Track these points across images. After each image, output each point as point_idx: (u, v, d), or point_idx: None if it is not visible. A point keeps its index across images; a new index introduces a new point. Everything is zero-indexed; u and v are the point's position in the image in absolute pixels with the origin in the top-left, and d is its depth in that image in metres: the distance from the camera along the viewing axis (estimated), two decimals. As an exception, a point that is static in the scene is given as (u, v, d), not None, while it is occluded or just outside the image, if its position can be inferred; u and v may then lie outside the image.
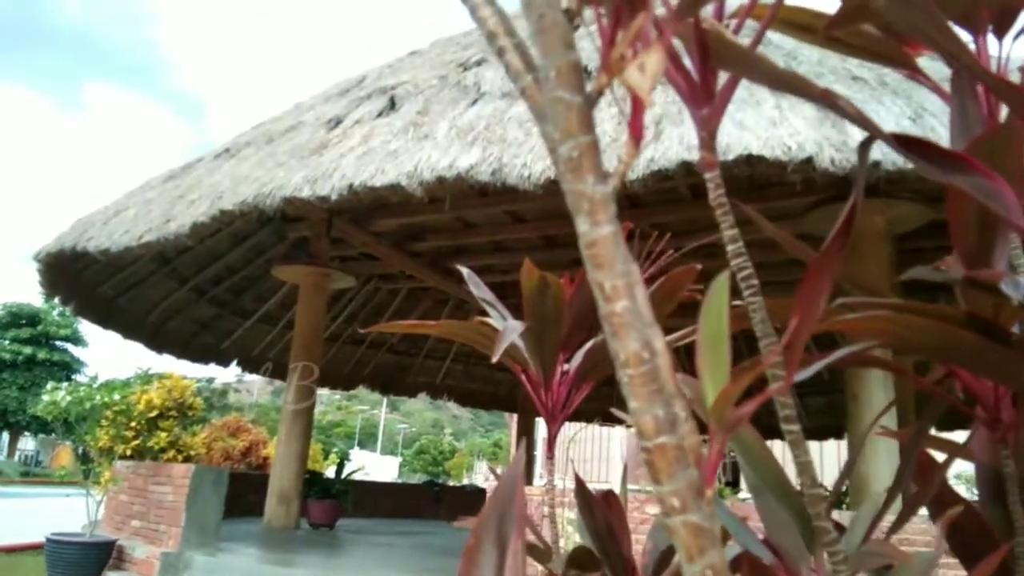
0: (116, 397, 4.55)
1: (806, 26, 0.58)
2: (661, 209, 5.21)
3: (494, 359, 0.87)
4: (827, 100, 0.38)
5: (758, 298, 0.50)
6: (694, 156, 3.19)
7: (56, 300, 7.01)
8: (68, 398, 4.21)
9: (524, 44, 0.32)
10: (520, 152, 3.54)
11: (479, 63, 4.83)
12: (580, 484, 0.95)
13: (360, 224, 7.16)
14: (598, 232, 0.27)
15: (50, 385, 4.51)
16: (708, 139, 0.46)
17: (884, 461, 4.20)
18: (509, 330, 0.88)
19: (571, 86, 0.28)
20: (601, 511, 0.84)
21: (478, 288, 1.18)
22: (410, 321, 1.02)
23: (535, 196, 3.93)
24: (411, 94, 4.66)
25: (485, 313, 1.28)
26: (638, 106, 0.29)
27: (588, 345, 1.03)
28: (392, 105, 4.58)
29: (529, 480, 12.30)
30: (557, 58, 0.28)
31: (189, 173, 5.56)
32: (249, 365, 10.76)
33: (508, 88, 4.29)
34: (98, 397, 4.41)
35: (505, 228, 7.64)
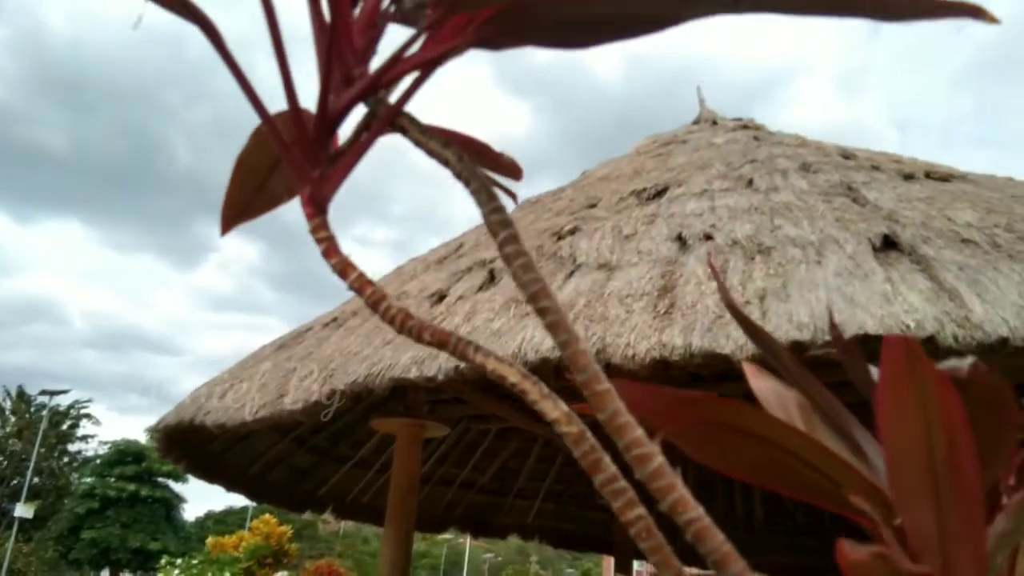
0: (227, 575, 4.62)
1: None
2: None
3: None
4: None
5: None
6: (804, 335, 3.12)
7: (169, 459, 7.34)
8: (182, 577, 4.30)
9: None
10: (623, 331, 3.56)
11: (572, 232, 5.01)
12: None
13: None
14: None
15: (164, 560, 4.64)
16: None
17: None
18: None
19: None
20: None
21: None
22: None
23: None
24: (509, 266, 4.82)
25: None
26: None
27: None
28: (492, 278, 4.78)
29: (632, 634, 11.49)
30: None
31: (299, 343, 5.87)
32: (344, 510, 10.79)
33: (604, 259, 4.39)
34: (210, 574, 4.48)
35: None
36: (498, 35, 0.42)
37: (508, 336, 3.90)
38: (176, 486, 30.47)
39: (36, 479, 26.27)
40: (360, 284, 0.42)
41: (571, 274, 4.34)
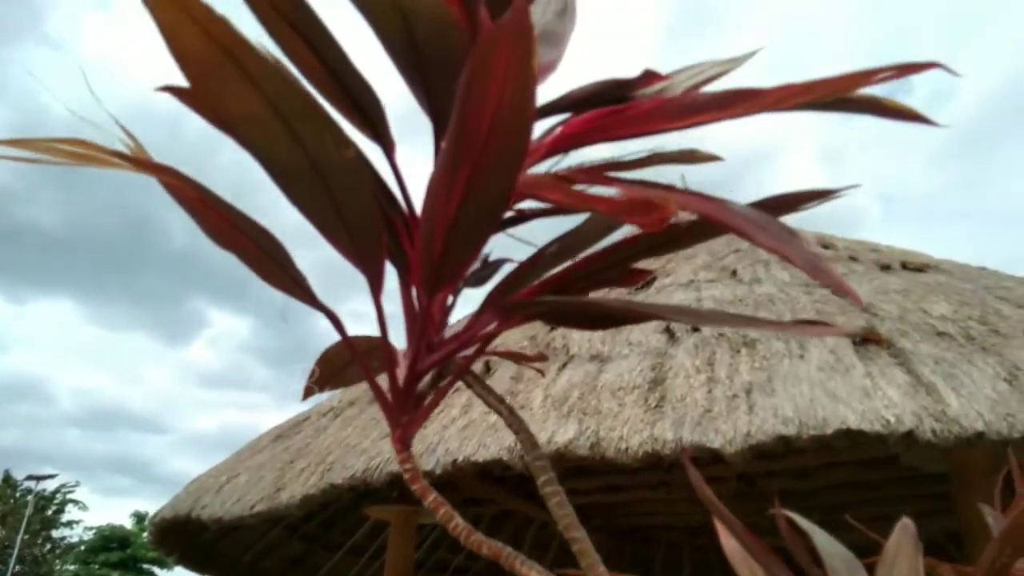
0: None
1: None
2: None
3: None
4: None
5: None
6: (790, 430, 3.25)
7: (162, 551, 7.27)
8: None
9: None
10: (616, 424, 3.69)
11: (566, 322, 5.18)
12: None
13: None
14: None
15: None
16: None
17: None
18: None
19: None
20: None
21: None
22: None
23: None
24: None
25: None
26: None
27: None
28: (488, 370, 4.91)
29: None
30: None
31: (297, 433, 5.93)
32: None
33: (596, 351, 4.55)
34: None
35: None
36: (537, 320, 0.59)
37: (504, 430, 3.99)
38: (161, 572, 29.52)
39: (18, 567, 25.38)
40: (435, 505, 0.57)
41: (564, 365, 4.48)
